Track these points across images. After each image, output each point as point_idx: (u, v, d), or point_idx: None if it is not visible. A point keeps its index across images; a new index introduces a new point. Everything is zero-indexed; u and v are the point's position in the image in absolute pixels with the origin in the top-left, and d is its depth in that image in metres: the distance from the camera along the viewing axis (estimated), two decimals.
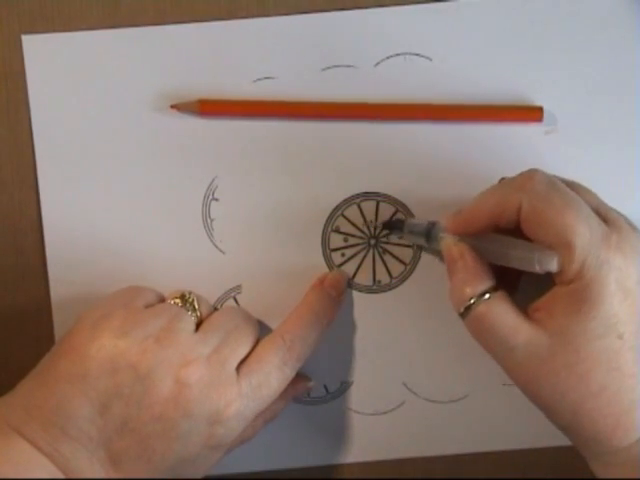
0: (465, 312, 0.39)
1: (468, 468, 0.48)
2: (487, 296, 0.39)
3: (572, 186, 0.39)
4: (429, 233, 0.43)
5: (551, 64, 0.45)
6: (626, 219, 0.39)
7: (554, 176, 0.39)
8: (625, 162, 0.46)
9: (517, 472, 0.49)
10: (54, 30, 0.45)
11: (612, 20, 0.45)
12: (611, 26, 0.45)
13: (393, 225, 0.46)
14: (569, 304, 0.37)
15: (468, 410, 0.48)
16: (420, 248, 0.46)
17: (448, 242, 0.41)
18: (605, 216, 0.38)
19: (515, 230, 0.39)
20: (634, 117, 0.46)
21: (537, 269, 0.37)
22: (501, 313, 0.38)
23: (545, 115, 0.45)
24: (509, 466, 0.48)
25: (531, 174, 0.39)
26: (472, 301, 0.39)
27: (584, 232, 0.36)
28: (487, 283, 0.39)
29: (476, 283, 0.39)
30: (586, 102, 0.46)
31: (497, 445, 0.48)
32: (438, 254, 0.42)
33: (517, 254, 0.38)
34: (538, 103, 0.46)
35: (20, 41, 0.45)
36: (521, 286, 0.43)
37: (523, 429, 0.47)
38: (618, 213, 0.40)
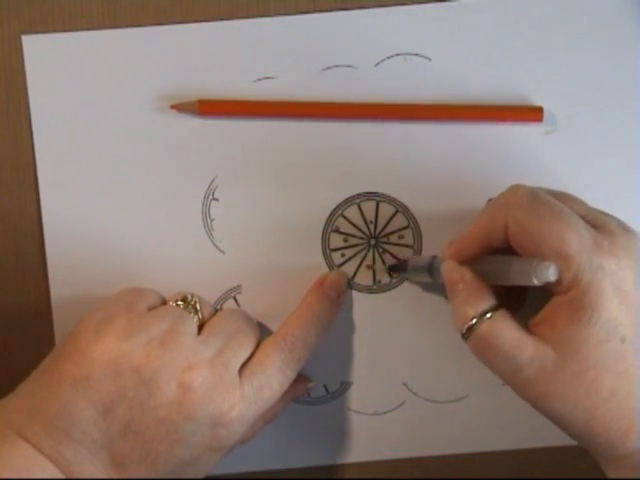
0: (468, 332, 0.39)
1: (468, 468, 0.48)
2: (489, 315, 0.39)
3: (558, 196, 0.39)
4: (431, 267, 0.43)
5: (551, 64, 0.45)
6: (618, 221, 0.39)
7: (539, 188, 0.39)
8: (625, 162, 0.46)
9: (516, 472, 0.49)
10: (54, 30, 0.45)
11: (612, 20, 0.45)
12: (611, 26, 0.45)
13: (397, 267, 0.46)
14: (569, 313, 0.37)
15: (468, 410, 0.48)
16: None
17: (449, 265, 0.41)
18: (594, 222, 0.38)
19: (510, 250, 0.39)
20: (634, 117, 0.46)
21: (535, 282, 0.36)
22: (504, 330, 0.38)
23: (545, 115, 0.45)
24: (509, 466, 0.48)
25: (514, 189, 0.39)
26: (474, 321, 0.39)
27: (573, 239, 0.36)
28: (489, 302, 0.39)
29: (477, 303, 0.39)
30: (586, 102, 0.46)
31: (497, 445, 0.48)
32: (442, 288, 0.42)
33: (514, 270, 0.38)
34: (538, 103, 0.46)
35: (20, 41, 0.45)
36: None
37: (523, 429, 0.47)
38: (609, 216, 0.40)
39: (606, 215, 0.40)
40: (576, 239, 0.36)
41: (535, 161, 0.46)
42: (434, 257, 0.44)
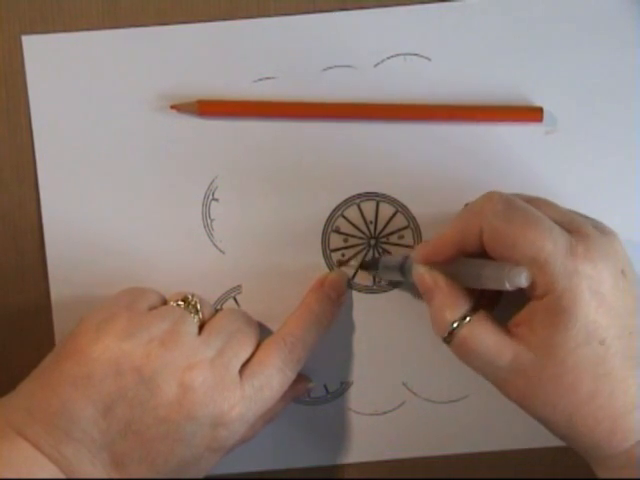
0: (449, 337, 0.40)
1: (468, 468, 0.48)
2: (467, 319, 0.39)
3: (533, 201, 0.40)
4: (403, 267, 0.43)
5: (551, 64, 0.45)
6: (595, 223, 0.40)
7: (513, 194, 0.40)
8: (625, 162, 0.46)
9: (517, 472, 0.49)
10: (54, 30, 0.45)
11: (612, 20, 0.45)
12: (611, 26, 0.45)
13: (368, 265, 0.46)
14: (547, 317, 0.37)
15: (468, 410, 0.48)
16: None
17: (420, 271, 0.41)
18: (570, 225, 0.38)
19: (484, 255, 0.39)
20: (634, 117, 0.46)
21: (507, 287, 0.37)
22: (483, 334, 0.39)
23: (545, 115, 0.45)
24: (509, 466, 0.48)
25: (489, 196, 0.39)
26: (454, 326, 0.39)
27: (548, 246, 0.37)
28: (465, 306, 0.40)
29: (454, 307, 0.40)
30: (586, 102, 0.46)
31: (497, 445, 0.48)
32: (414, 288, 0.42)
33: (487, 274, 0.38)
34: (538, 103, 0.46)
35: (20, 41, 0.45)
36: (502, 300, 0.43)
37: (523, 429, 0.47)
38: (586, 218, 0.40)
39: (582, 217, 0.40)
40: (550, 245, 0.37)
41: (535, 161, 0.46)
42: (406, 257, 0.44)
